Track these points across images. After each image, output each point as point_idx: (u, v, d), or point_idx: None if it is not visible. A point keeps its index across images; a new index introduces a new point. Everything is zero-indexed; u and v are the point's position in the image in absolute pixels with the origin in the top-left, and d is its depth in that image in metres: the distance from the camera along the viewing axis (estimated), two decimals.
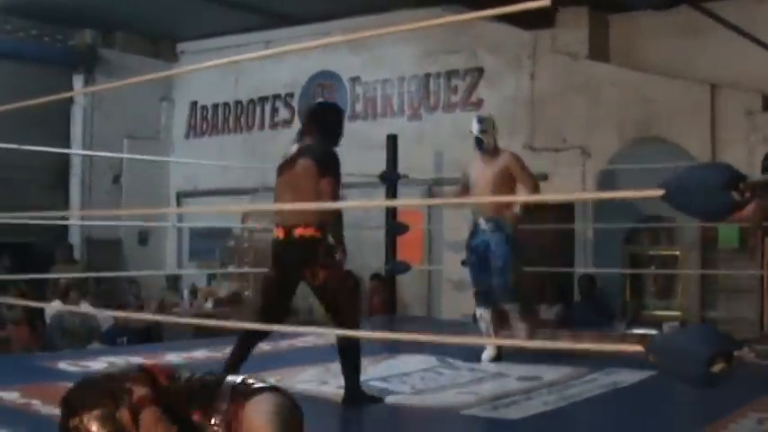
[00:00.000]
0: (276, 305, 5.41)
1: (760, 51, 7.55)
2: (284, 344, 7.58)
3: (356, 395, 5.27)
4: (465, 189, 7.18)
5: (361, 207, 11.48)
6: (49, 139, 11.00)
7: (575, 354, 6.59)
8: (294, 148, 5.39)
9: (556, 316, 10.06)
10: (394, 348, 7.48)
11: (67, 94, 11.87)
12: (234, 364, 5.23)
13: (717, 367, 2.22)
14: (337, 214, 5.38)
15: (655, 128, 9.99)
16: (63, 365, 6.24)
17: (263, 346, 7.70)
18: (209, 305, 11.59)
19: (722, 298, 9.56)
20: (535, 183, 7.00)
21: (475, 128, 6.98)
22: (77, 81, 13.52)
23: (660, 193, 2.35)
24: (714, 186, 2.26)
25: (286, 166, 5.35)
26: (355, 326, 5.29)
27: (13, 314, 9.37)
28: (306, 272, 5.22)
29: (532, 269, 9.68)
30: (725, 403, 4.99)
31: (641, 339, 2.45)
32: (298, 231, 5.17)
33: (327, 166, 5.20)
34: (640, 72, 10.22)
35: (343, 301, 5.28)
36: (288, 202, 5.28)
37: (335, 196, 5.22)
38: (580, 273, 10.19)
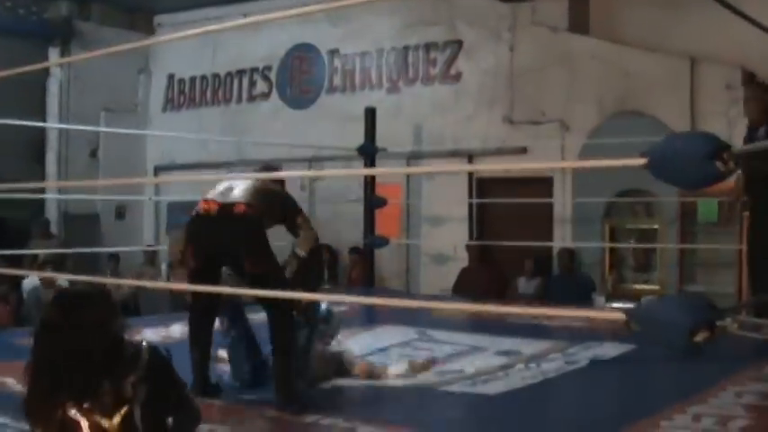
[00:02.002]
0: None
1: (740, 25, 7.51)
2: None
3: (294, 400, 4.69)
4: None
5: (338, 175, 11.44)
6: (25, 113, 10.84)
7: (554, 328, 6.57)
8: None
9: (534, 290, 10.07)
10: (371, 321, 7.46)
11: (43, 65, 11.69)
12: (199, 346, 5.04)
13: (700, 336, 2.19)
14: None
15: (634, 101, 9.95)
16: None
17: None
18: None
19: (701, 272, 9.57)
20: None
21: None
22: (53, 54, 13.35)
23: (642, 161, 2.31)
24: (697, 156, 2.21)
25: None
26: (290, 322, 4.84)
27: None
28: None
29: (511, 243, 9.76)
30: (704, 377, 4.99)
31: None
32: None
33: None
34: (620, 45, 10.17)
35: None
36: None
37: None
38: (559, 246, 10.19)
